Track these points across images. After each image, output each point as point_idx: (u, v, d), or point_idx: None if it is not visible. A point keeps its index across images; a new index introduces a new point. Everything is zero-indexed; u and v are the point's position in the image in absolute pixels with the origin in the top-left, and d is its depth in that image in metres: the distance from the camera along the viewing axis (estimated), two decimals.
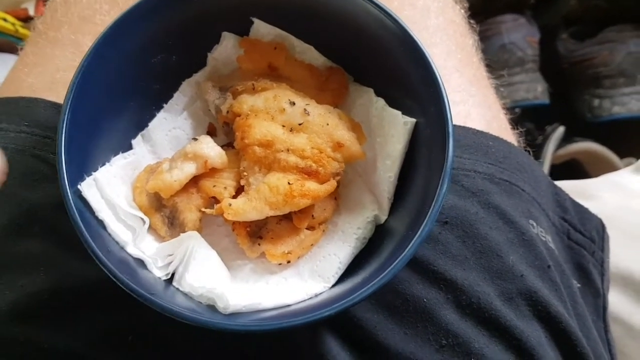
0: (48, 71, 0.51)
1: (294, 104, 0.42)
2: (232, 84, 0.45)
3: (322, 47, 0.47)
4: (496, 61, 1.09)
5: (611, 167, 1.07)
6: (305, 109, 0.42)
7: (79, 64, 0.39)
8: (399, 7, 0.56)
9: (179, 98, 0.47)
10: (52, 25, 0.54)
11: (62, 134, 0.38)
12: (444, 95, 0.39)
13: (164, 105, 0.47)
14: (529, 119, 1.12)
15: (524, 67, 1.11)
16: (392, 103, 0.44)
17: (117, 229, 0.40)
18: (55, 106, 0.48)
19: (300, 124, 0.42)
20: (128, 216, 0.41)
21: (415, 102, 0.42)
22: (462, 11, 0.62)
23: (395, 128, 0.42)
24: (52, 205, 0.44)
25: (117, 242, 0.40)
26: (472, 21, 0.63)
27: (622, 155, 1.10)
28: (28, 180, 0.45)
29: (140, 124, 0.46)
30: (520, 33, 1.12)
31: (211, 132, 0.47)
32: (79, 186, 0.39)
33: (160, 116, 0.47)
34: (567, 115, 1.19)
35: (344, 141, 0.42)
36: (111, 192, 0.41)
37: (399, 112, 0.43)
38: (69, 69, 0.51)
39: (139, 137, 0.46)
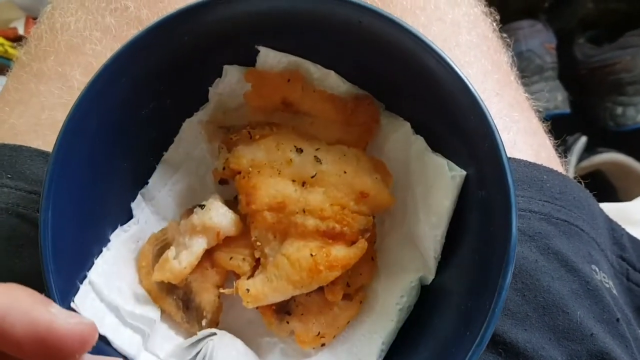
0: (32, 110, 0.45)
1: (301, 151, 0.36)
2: (238, 124, 0.39)
3: (345, 71, 0.39)
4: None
5: (638, 178, 1.02)
6: (315, 157, 0.36)
7: (52, 150, 0.32)
8: (426, 22, 0.50)
9: (180, 142, 0.41)
10: (36, 56, 0.48)
11: (46, 240, 0.32)
12: (502, 148, 0.32)
13: (164, 153, 0.40)
14: (549, 130, 1.06)
15: (542, 75, 1.06)
16: (433, 140, 0.37)
17: (124, 339, 0.35)
18: (42, 155, 0.42)
19: (313, 177, 0.36)
20: (135, 318, 0.36)
21: (463, 144, 0.35)
22: (494, 24, 0.56)
23: (440, 180, 0.36)
24: (40, 275, 0.38)
25: (124, 357, 0.34)
26: (504, 35, 0.57)
27: None
28: (12, 245, 0.39)
29: (139, 182, 0.40)
30: (537, 40, 1.07)
31: (223, 180, 0.40)
32: (72, 304, 0.33)
33: (161, 169, 0.40)
34: (588, 124, 1.13)
35: (368, 190, 0.36)
36: (111, 291, 0.35)
37: (445, 162, 0.36)
38: (56, 107, 0.44)
39: (138, 197, 0.40)
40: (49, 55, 0.47)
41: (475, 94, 0.32)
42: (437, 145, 0.37)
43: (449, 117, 0.35)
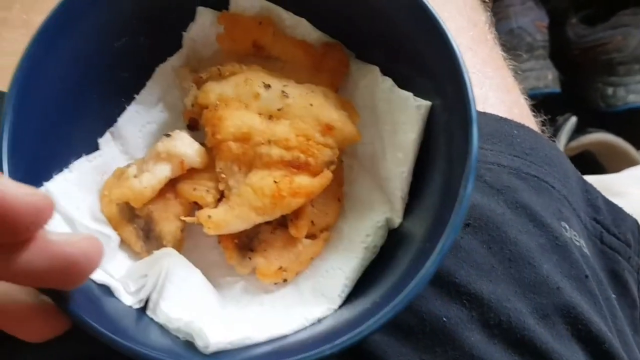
0: None
1: (269, 86, 0.37)
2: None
3: (316, 19, 0.40)
4: (503, 47, 1.03)
5: (627, 159, 1.01)
6: (283, 91, 0.36)
7: (23, 53, 0.33)
8: None
9: (153, 87, 0.41)
10: (1, 5, 0.47)
11: (4, 137, 0.32)
12: (464, 69, 0.32)
13: (136, 96, 0.40)
14: (539, 109, 1.06)
15: (533, 53, 1.05)
16: (403, 83, 0.37)
17: None
18: (3, 95, 0.41)
19: (279, 109, 0.36)
20: (91, 232, 0.35)
21: (430, 80, 0.36)
22: None
23: (406, 114, 0.36)
24: None
25: None
26: None
27: (638, 146, 1.04)
28: None
29: (109, 120, 0.40)
30: (528, 17, 1.06)
31: (193, 126, 0.40)
32: None
33: (132, 109, 0.40)
34: (578, 104, 1.13)
35: (333, 122, 0.36)
36: (68, 204, 0.35)
37: (410, 94, 0.36)
38: (19, 53, 0.43)
39: (107, 134, 0.39)
40: (14, 4, 0.47)
41: (433, 11, 0.34)
42: (404, 86, 0.37)
43: (414, 58, 0.36)
